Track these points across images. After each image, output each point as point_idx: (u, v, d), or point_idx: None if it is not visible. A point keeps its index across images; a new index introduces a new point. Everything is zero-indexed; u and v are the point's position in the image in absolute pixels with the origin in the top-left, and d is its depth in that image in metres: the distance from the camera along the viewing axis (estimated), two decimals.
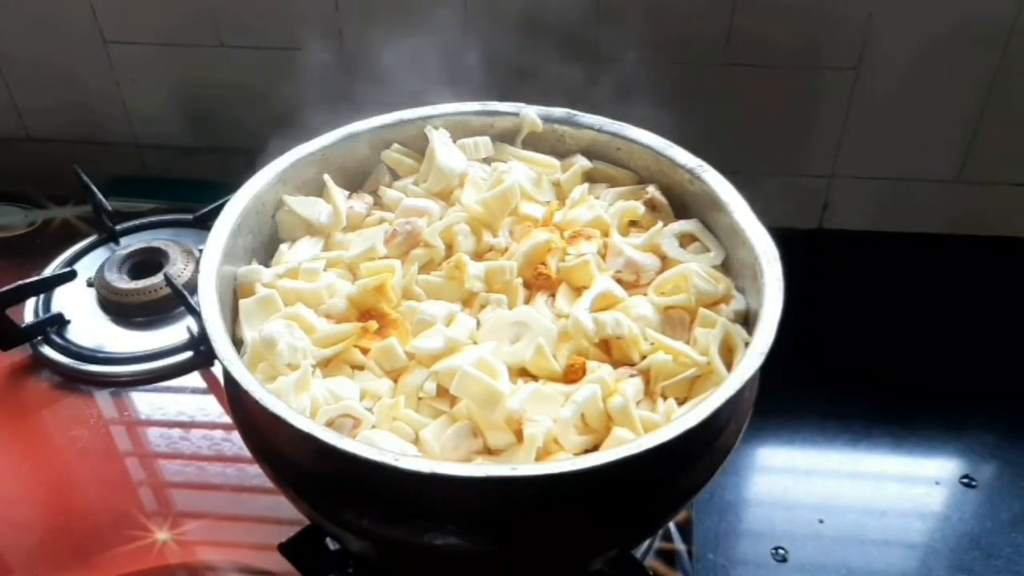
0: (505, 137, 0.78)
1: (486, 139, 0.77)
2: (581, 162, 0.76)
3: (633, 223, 0.72)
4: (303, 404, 0.60)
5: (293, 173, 0.73)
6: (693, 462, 0.60)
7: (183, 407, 0.87)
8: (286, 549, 0.68)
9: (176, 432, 0.84)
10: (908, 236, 1.06)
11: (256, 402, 0.55)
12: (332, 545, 0.71)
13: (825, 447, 0.89)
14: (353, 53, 1.03)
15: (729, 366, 0.61)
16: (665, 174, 0.73)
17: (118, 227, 1.04)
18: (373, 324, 0.64)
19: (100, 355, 0.91)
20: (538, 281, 0.67)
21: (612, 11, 0.96)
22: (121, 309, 0.95)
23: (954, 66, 0.96)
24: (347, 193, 0.75)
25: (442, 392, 0.62)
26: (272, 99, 1.07)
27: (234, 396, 0.65)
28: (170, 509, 0.79)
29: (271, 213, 0.73)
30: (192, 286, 0.87)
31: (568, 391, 0.60)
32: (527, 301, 0.67)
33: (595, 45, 0.97)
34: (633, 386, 0.61)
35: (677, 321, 0.66)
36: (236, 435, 0.70)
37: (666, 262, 0.69)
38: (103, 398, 0.88)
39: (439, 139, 0.75)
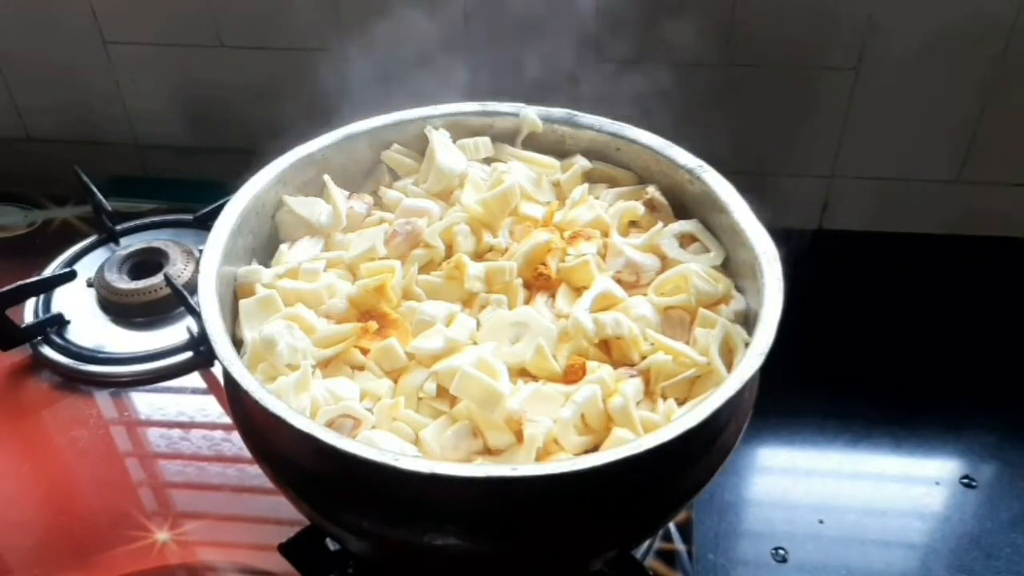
0: (505, 137, 0.78)
1: (486, 139, 0.77)
2: (581, 162, 0.76)
3: (633, 223, 0.72)
4: (303, 404, 0.60)
5: (293, 173, 0.73)
6: (693, 462, 0.60)
7: (183, 407, 0.87)
8: (286, 549, 0.68)
9: (176, 432, 0.84)
10: (908, 236, 1.06)
11: (256, 402, 0.55)
12: (332, 545, 0.71)
13: (825, 447, 0.89)
14: (353, 53, 1.03)
15: (729, 366, 0.61)
16: (665, 174, 0.73)
17: (118, 227, 1.04)
18: (373, 324, 0.64)
19: (100, 355, 0.91)
20: (538, 281, 0.67)
21: (612, 11, 0.96)
22: (121, 309, 0.95)
23: (954, 66, 0.96)
24: (347, 193, 0.75)
25: (442, 392, 0.62)
26: (272, 99, 1.07)
27: (234, 396, 0.65)
28: (170, 509, 0.79)
29: (271, 213, 0.73)
30: (192, 286, 0.87)
31: (568, 391, 0.60)
32: (527, 301, 0.67)
33: (595, 45, 0.97)
34: (633, 386, 0.61)
35: (677, 321, 0.66)
36: (236, 435, 0.70)
37: (666, 262, 0.69)
38: (103, 398, 0.88)
39: (439, 139, 0.75)
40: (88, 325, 0.94)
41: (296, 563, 0.68)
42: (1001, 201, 1.05)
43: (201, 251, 0.66)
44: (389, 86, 0.84)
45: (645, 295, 0.67)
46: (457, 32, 0.98)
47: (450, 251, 0.70)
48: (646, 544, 0.76)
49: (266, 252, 0.72)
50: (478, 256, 0.70)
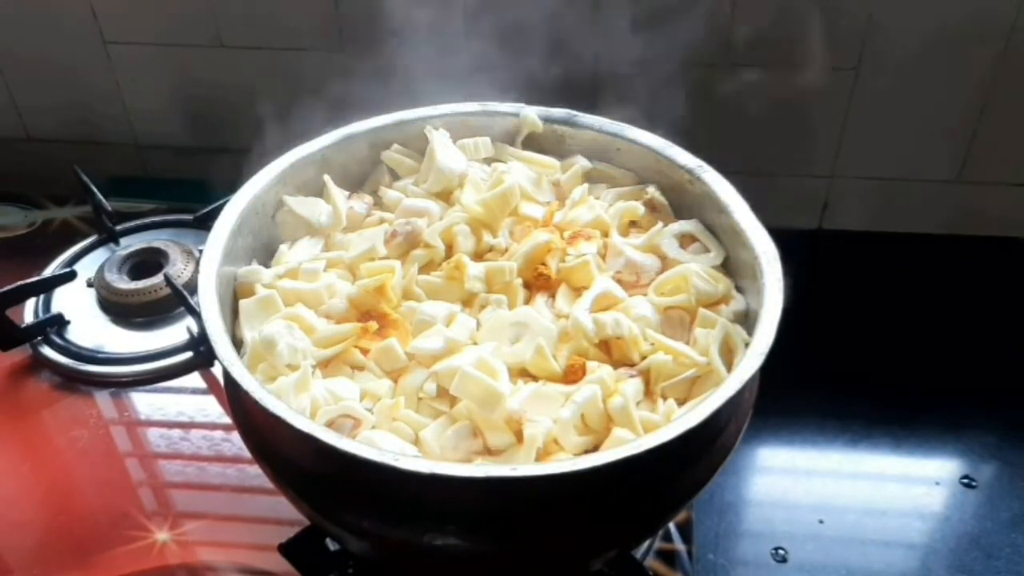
0: (505, 137, 0.78)
1: (486, 139, 0.77)
2: (581, 162, 0.76)
3: (633, 223, 0.72)
4: (303, 404, 0.60)
5: (293, 173, 0.73)
6: (693, 462, 0.60)
7: (183, 407, 0.87)
8: (286, 549, 0.68)
9: (176, 432, 0.84)
10: (908, 236, 1.06)
11: (256, 402, 0.55)
12: (332, 545, 0.71)
13: (825, 447, 0.89)
14: (353, 53, 1.03)
15: (729, 366, 0.61)
16: (665, 174, 0.73)
17: (118, 227, 1.04)
18: (373, 324, 0.64)
19: (100, 355, 0.91)
20: (538, 281, 0.67)
21: (611, 11, 0.96)
22: (121, 309, 0.95)
23: (954, 66, 0.96)
24: (347, 193, 0.75)
25: (442, 392, 0.62)
26: (272, 99, 1.07)
27: (234, 396, 0.65)
28: (170, 509, 0.79)
29: (271, 213, 0.73)
30: (192, 286, 0.87)
31: (568, 391, 0.60)
32: (527, 301, 0.67)
33: (595, 45, 0.97)
34: (633, 386, 0.61)
35: (677, 321, 0.66)
36: (236, 435, 0.70)
37: (666, 262, 0.69)
38: (103, 398, 0.88)
39: (439, 139, 0.75)
40: (88, 325, 0.94)
41: (296, 563, 0.68)
42: (1001, 201, 1.05)
43: (201, 251, 0.66)
44: (389, 86, 0.84)
45: (645, 295, 0.67)
46: (457, 32, 0.98)
47: (450, 251, 0.70)
48: (646, 544, 0.76)
49: (266, 252, 0.72)
50: (478, 256, 0.70)
